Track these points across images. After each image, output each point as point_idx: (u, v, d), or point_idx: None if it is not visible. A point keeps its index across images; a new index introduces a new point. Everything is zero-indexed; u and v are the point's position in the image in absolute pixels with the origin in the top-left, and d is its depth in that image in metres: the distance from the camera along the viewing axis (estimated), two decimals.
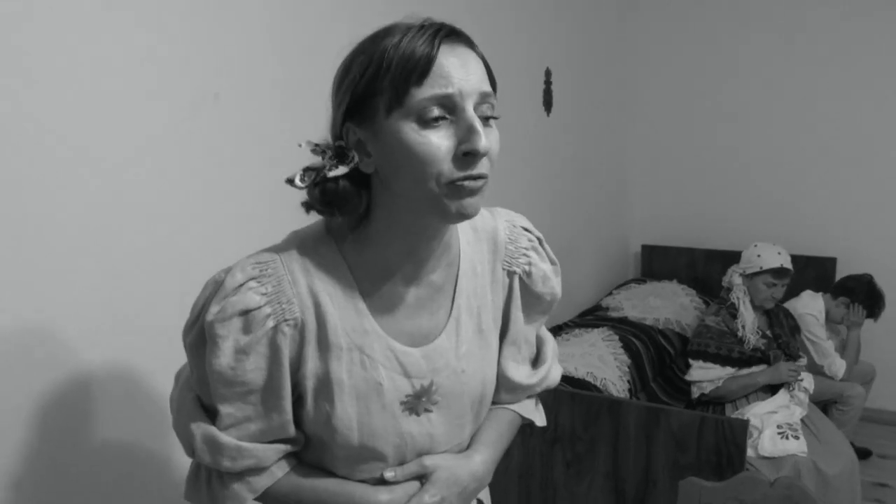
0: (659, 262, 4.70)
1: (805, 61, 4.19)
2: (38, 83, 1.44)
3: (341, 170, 0.94)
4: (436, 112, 0.89)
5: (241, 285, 0.96)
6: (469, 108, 0.90)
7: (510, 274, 1.13)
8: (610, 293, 4.32)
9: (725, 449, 2.32)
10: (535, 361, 1.24)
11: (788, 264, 3.09)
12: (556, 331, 3.56)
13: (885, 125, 4.02)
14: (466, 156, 0.90)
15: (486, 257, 1.11)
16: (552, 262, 1.18)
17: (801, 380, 3.01)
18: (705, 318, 3.20)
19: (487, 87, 0.94)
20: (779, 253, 3.09)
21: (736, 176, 4.50)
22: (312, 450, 1.07)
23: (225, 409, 0.99)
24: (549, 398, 2.57)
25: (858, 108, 4.08)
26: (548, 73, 3.64)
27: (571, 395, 2.60)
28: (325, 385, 1.00)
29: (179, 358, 1.10)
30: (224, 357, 0.95)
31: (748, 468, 2.58)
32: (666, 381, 3.50)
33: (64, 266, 1.51)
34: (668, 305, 3.99)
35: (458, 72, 0.89)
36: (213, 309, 0.96)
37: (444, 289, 1.06)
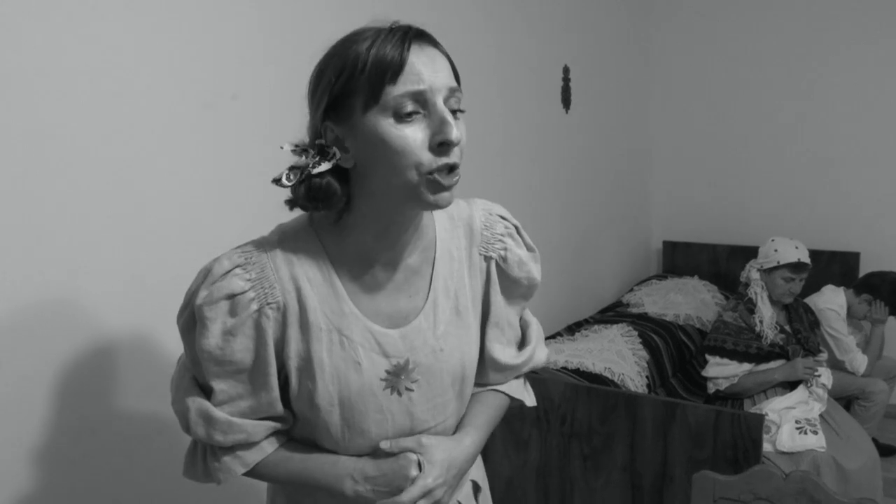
0: (681, 258, 4.69)
1: (829, 55, 4.16)
2: (79, 80, 1.53)
3: (324, 166, 1.01)
4: (410, 107, 0.96)
5: (228, 272, 1.04)
6: (440, 101, 0.98)
7: (487, 259, 1.20)
8: (631, 289, 4.33)
9: (742, 444, 2.32)
10: (521, 344, 1.31)
11: (806, 259, 3.07)
12: (576, 327, 3.58)
13: None
14: (441, 146, 0.97)
15: (463, 243, 1.19)
16: (530, 249, 1.25)
17: (819, 375, 2.99)
18: (723, 313, 3.19)
19: (454, 83, 1.01)
20: (796, 247, 3.08)
21: (758, 171, 4.47)
22: (302, 427, 1.14)
23: (218, 386, 1.07)
24: (565, 393, 2.60)
25: (884, 102, 4.04)
26: (566, 71, 3.65)
27: (588, 389, 2.62)
28: (308, 364, 1.07)
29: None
30: (213, 338, 1.03)
31: (765, 463, 2.57)
32: (686, 377, 3.50)
33: (92, 238, 1.59)
34: (690, 301, 3.99)
35: (427, 69, 0.97)
36: (202, 294, 1.04)
37: (421, 272, 1.14)
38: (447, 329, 1.15)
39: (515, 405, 1.33)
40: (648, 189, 4.86)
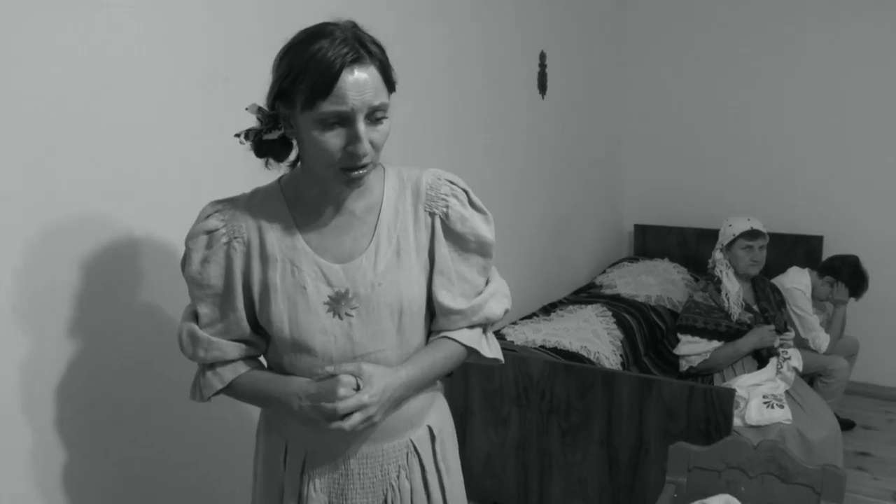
0: (651, 241, 4.81)
1: (795, 44, 4.27)
2: (73, 61, 1.57)
3: (273, 135, 1.29)
4: (333, 120, 1.19)
5: (209, 216, 1.33)
6: (359, 120, 1.19)
7: (431, 215, 1.39)
8: (603, 271, 4.42)
9: (713, 417, 2.43)
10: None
11: (759, 226, 3.21)
12: (551, 307, 3.66)
13: (872, 108, 4.11)
14: (351, 154, 1.21)
15: (409, 200, 1.38)
16: (480, 211, 1.42)
17: (788, 358, 3.11)
18: (693, 294, 3.30)
19: (379, 101, 1.21)
20: (748, 219, 3.23)
21: (727, 157, 4.59)
22: (273, 353, 1.39)
23: (202, 310, 1.34)
24: (544, 370, 2.69)
25: (846, 91, 4.17)
26: (542, 57, 3.72)
27: (566, 367, 2.71)
28: (266, 289, 1.31)
29: None
30: (194, 265, 1.31)
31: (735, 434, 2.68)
32: (657, 356, 3.61)
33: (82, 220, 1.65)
34: (660, 283, 4.10)
35: (352, 92, 1.17)
36: (189, 232, 1.33)
37: (366, 220, 1.35)
38: (387, 268, 1.34)
39: (487, 363, 1.48)
40: (621, 174, 4.96)
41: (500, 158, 3.38)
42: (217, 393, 1.37)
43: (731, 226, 3.24)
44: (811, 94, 4.27)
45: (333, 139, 1.20)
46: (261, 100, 1.87)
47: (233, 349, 1.35)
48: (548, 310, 3.62)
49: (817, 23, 4.18)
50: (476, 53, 3.12)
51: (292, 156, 1.36)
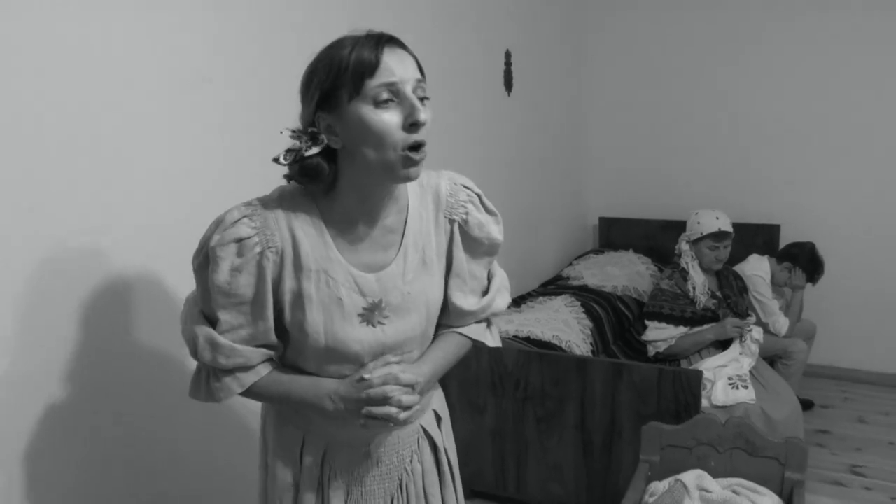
0: (616, 233, 4.91)
1: (753, 39, 4.40)
2: (54, 61, 1.60)
3: (314, 150, 1.24)
4: (385, 95, 1.19)
5: (237, 221, 1.27)
6: (409, 90, 1.21)
7: (451, 221, 1.43)
8: (570, 263, 4.52)
9: (683, 398, 2.53)
10: (485, 294, 1.53)
11: (727, 227, 3.32)
12: (521, 299, 3.75)
13: (827, 103, 4.26)
14: (412, 126, 1.21)
15: (430, 207, 1.41)
16: (491, 213, 1.47)
17: (750, 330, 3.25)
18: (660, 282, 3.41)
19: (420, 75, 1.25)
20: (717, 217, 3.32)
21: (688, 151, 4.72)
22: (291, 354, 1.38)
23: (223, 317, 1.29)
24: (518, 359, 2.77)
25: (803, 87, 4.31)
26: (508, 55, 3.80)
27: (540, 355, 2.79)
28: (299, 298, 1.30)
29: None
30: (222, 274, 1.26)
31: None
32: (626, 344, 3.72)
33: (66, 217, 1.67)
34: (626, 273, 4.20)
35: (398, 66, 1.20)
36: (216, 238, 1.26)
37: (395, 230, 1.37)
38: (415, 276, 1.38)
39: (478, 346, 1.55)
40: (585, 168, 5.07)
41: (467, 155, 3.45)
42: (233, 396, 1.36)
43: (699, 223, 3.33)
44: (769, 90, 4.41)
45: (390, 116, 1.19)
46: (243, 98, 1.90)
47: (256, 355, 1.33)
48: (518, 302, 3.71)
49: (774, 17, 4.32)
50: (443, 52, 3.19)
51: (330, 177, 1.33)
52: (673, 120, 4.73)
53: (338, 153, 1.27)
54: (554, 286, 4.08)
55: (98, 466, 1.78)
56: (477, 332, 1.52)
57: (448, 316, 1.48)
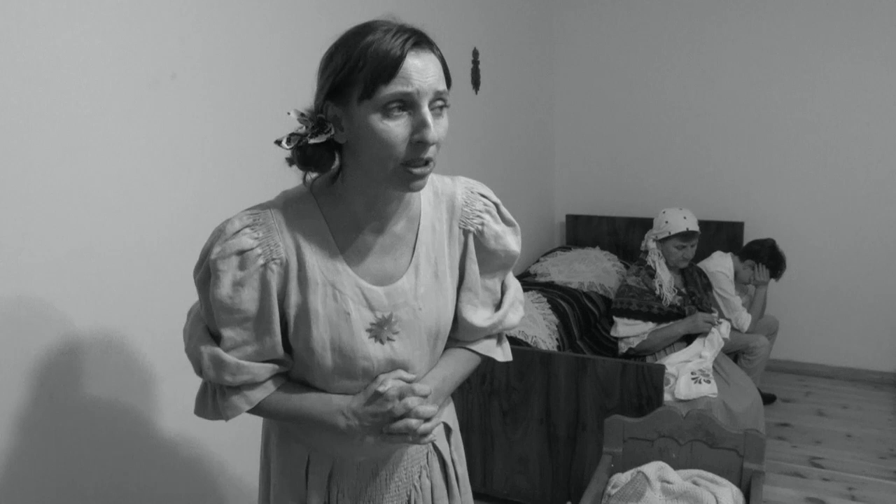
0: (583, 230, 4.96)
1: (718, 39, 4.47)
2: (16, 59, 1.57)
3: (320, 138, 1.16)
4: (396, 106, 1.10)
5: (238, 231, 1.18)
6: (424, 105, 1.11)
7: (465, 232, 1.34)
8: (537, 260, 4.55)
9: (645, 391, 2.57)
10: (498, 306, 1.44)
11: (694, 226, 3.37)
12: None
13: (788, 105, 4.34)
14: (418, 143, 1.12)
15: (444, 217, 1.32)
16: (509, 224, 1.38)
17: (720, 324, 3.31)
18: (627, 278, 3.45)
19: (442, 86, 1.14)
20: (684, 217, 3.36)
21: (653, 149, 4.78)
22: (298, 369, 1.30)
23: (227, 333, 1.21)
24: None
25: (766, 88, 4.39)
26: (475, 53, 3.82)
27: None
28: (304, 313, 1.22)
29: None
30: (224, 288, 1.18)
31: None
32: (592, 340, 3.75)
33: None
34: (592, 270, 4.24)
35: (418, 74, 1.10)
36: (216, 250, 1.18)
37: (406, 239, 1.28)
38: (427, 291, 1.29)
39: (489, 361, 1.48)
40: (552, 166, 5.11)
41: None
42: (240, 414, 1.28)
43: (667, 222, 3.37)
44: (733, 90, 4.47)
45: (398, 128, 1.10)
46: (206, 98, 1.86)
47: (264, 371, 1.25)
48: None
49: (739, 17, 4.38)
50: None
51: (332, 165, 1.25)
52: (638, 119, 4.79)
53: (342, 147, 1.20)
54: (521, 282, 4.09)
55: (97, 467, 1.78)
56: (487, 347, 1.44)
57: (458, 331, 1.40)
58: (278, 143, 1.17)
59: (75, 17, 1.69)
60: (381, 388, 1.24)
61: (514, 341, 3.09)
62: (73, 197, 1.72)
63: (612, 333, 3.40)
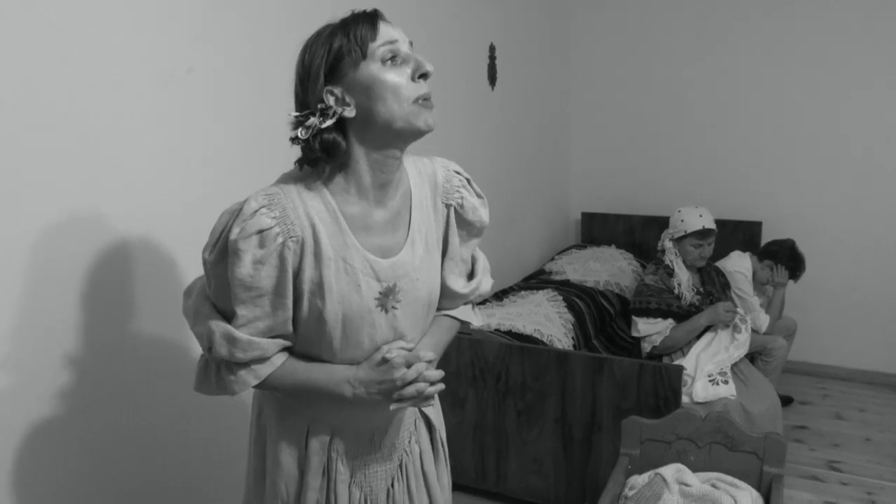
0: (598, 229, 4.93)
1: (738, 37, 4.42)
2: (37, 55, 1.56)
3: (330, 122, 1.25)
4: (390, 54, 1.25)
5: (256, 211, 1.25)
6: (408, 49, 1.28)
7: (447, 206, 1.47)
8: (552, 258, 4.52)
9: (663, 392, 2.54)
10: (470, 275, 1.58)
11: (710, 224, 3.32)
12: (503, 293, 3.74)
13: (808, 102, 4.29)
14: (420, 77, 1.27)
15: (429, 194, 1.45)
16: (479, 196, 1.52)
17: (743, 319, 3.27)
18: (644, 277, 3.41)
19: (411, 40, 1.31)
20: (700, 216, 3.32)
21: (671, 147, 4.74)
22: (302, 344, 1.36)
23: (241, 311, 1.27)
24: (499, 353, 2.76)
25: (786, 86, 4.34)
26: (492, 49, 3.79)
27: (521, 349, 2.79)
28: (319, 287, 1.29)
29: None
30: (245, 267, 1.24)
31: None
32: (607, 339, 3.72)
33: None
34: (608, 268, 4.20)
35: (393, 31, 1.27)
36: (235, 230, 1.24)
37: (402, 214, 1.39)
38: (421, 263, 1.40)
39: (465, 325, 1.59)
40: (568, 164, 5.07)
41: (450, 149, 3.43)
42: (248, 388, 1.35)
43: (682, 221, 3.33)
44: (753, 87, 4.42)
45: (398, 72, 1.25)
46: (220, 93, 1.87)
47: (273, 346, 1.32)
48: (500, 296, 3.70)
49: (761, 16, 4.34)
50: (426, 45, 3.17)
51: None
52: (656, 116, 4.74)
53: (349, 127, 1.28)
54: (536, 280, 4.08)
55: (99, 455, 1.79)
56: (465, 312, 1.57)
57: (442, 299, 1.52)
58: (293, 140, 1.26)
59: (94, 14, 1.69)
60: (388, 356, 1.32)
61: (530, 340, 3.07)
62: (88, 193, 1.72)
63: (633, 333, 3.36)
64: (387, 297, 1.35)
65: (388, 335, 1.37)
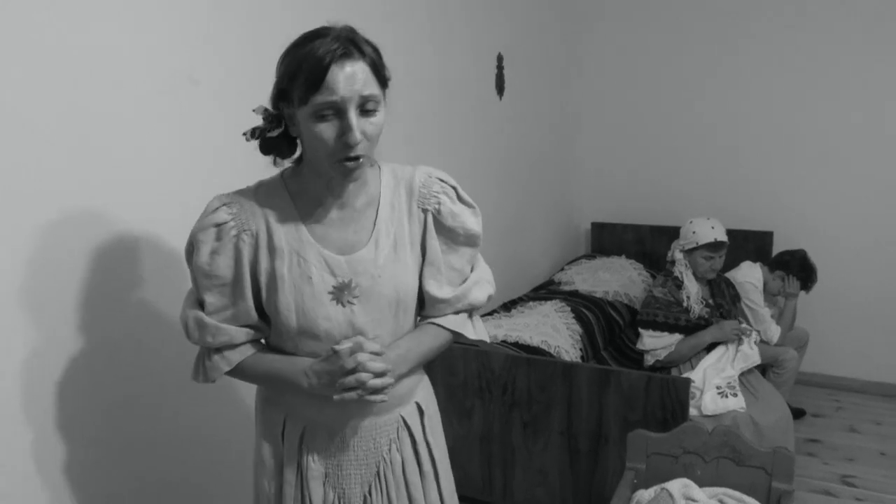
0: (608, 239, 4.90)
1: (748, 47, 4.39)
2: (42, 63, 1.57)
3: (275, 132, 1.38)
4: (325, 111, 1.28)
5: (217, 209, 1.40)
6: (350, 110, 1.28)
7: (424, 211, 1.50)
8: (562, 269, 4.50)
9: (670, 405, 2.50)
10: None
11: (722, 237, 3.27)
12: (511, 304, 3.72)
13: (819, 112, 4.25)
14: (344, 145, 1.29)
15: (404, 197, 1.49)
16: (468, 205, 1.53)
17: (750, 335, 3.22)
18: (653, 289, 3.37)
19: (370, 90, 1.30)
20: (712, 227, 3.27)
21: (680, 157, 4.70)
22: (273, 337, 1.47)
23: (209, 299, 1.41)
24: (506, 364, 2.74)
25: (796, 96, 4.30)
26: (500, 59, 3.78)
27: (528, 360, 2.76)
28: (273, 279, 1.39)
29: None
30: (203, 256, 1.38)
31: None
32: (616, 350, 3.69)
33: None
34: (618, 279, 4.17)
35: (343, 84, 1.26)
36: (197, 224, 1.40)
37: (367, 214, 1.45)
38: (386, 262, 1.44)
39: (460, 339, 1.58)
40: (577, 174, 5.05)
41: (458, 158, 3.43)
42: (222, 374, 1.45)
43: (694, 232, 3.28)
44: (762, 96, 4.39)
45: (328, 130, 1.28)
46: (230, 97, 1.93)
47: (240, 334, 1.43)
48: (508, 307, 3.68)
49: (769, 25, 4.31)
50: (434, 55, 3.16)
51: (294, 152, 1.45)
52: (665, 125, 4.71)
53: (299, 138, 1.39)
54: (545, 291, 4.05)
55: (100, 452, 1.80)
56: (455, 322, 1.55)
57: (425, 306, 1.54)
58: (244, 134, 1.39)
59: (95, 15, 1.69)
60: (336, 347, 1.36)
61: (537, 351, 3.05)
62: (88, 193, 1.72)
63: (638, 346, 3.32)
64: (342, 292, 1.40)
65: (346, 330, 1.41)
